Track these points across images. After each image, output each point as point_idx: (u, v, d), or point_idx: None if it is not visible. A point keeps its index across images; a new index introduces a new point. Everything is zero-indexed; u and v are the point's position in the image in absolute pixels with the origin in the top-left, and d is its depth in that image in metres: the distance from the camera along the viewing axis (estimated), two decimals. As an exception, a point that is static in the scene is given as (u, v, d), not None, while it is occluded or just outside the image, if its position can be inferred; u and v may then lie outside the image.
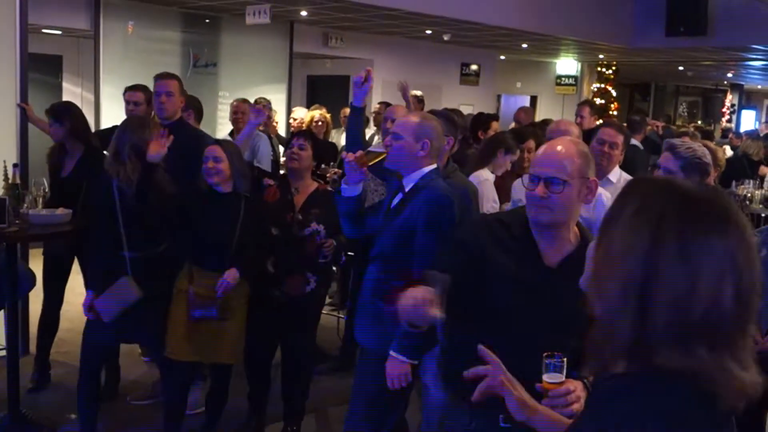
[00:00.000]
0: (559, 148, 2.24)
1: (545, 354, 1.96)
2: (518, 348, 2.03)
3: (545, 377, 1.97)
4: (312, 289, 4.11)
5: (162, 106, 4.58)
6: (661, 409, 1.11)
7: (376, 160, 3.14)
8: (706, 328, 1.13)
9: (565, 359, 1.96)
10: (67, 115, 4.60)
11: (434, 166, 3.08)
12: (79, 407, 3.95)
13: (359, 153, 3.12)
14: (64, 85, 10.14)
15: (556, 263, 2.22)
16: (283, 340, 4.27)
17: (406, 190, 3.05)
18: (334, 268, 5.62)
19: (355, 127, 3.70)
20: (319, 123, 7.31)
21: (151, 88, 5.26)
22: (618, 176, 4.08)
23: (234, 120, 6.54)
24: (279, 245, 4.02)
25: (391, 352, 2.80)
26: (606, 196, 3.56)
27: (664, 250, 1.14)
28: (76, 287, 4.72)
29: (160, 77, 4.70)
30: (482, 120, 6.62)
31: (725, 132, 18.25)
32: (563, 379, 1.97)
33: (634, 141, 6.62)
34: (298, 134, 4.37)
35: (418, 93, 8.45)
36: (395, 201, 3.11)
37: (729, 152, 13.43)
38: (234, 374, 4.18)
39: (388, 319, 2.91)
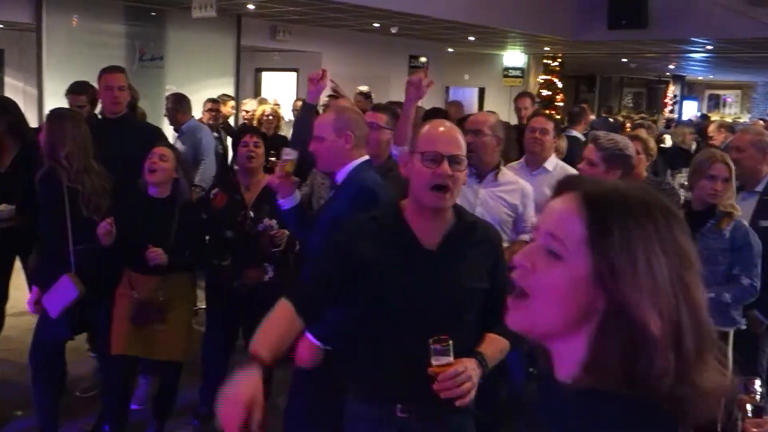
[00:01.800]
0: (449, 125, 2.27)
1: (431, 339, 2.00)
2: (415, 334, 2.08)
3: (433, 361, 2.02)
4: (270, 278, 4.14)
5: (117, 100, 4.60)
6: None
7: (292, 167, 3.15)
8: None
9: (450, 342, 2.01)
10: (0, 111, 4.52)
11: (365, 158, 3.02)
12: (37, 403, 3.93)
13: (277, 173, 3.14)
14: (6, 79, 9.97)
15: (436, 245, 2.22)
16: (244, 330, 4.28)
17: (338, 185, 3.02)
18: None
19: (304, 124, 3.64)
20: (270, 117, 7.29)
21: (95, 82, 5.23)
22: (554, 165, 4.21)
23: None
24: (234, 245, 4.07)
25: (306, 333, 2.78)
26: (527, 188, 3.71)
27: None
28: (20, 284, 4.67)
29: (109, 71, 4.69)
30: (437, 115, 6.63)
31: (668, 122, 18.68)
32: (451, 360, 2.01)
33: (574, 132, 6.78)
34: (249, 132, 4.31)
35: (364, 88, 8.48)
36: (328, 196, 3.11)
37: (669, 142, 13.76)
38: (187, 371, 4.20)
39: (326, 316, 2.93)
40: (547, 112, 13.41)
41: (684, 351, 1.01)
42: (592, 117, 10.22)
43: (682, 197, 5.17)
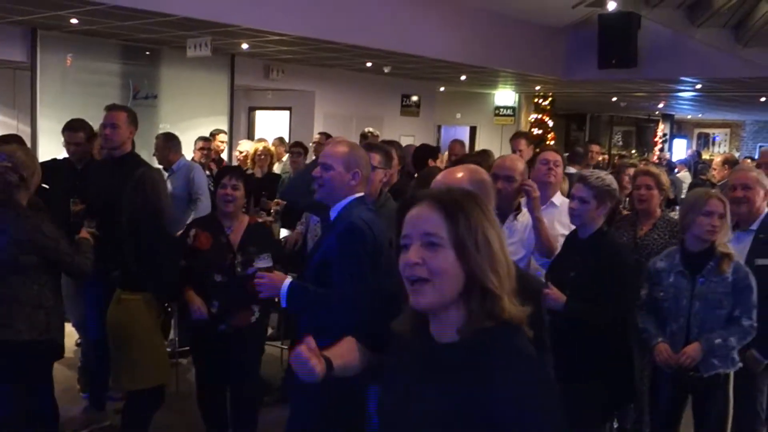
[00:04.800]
0: (456, 175, 2.45)
1: None
2: None
3: None
4: (257, 319, 4.11)
5: (106, 137, 4.65)
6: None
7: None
8: None
9: None
10: None
11: (360, 194, 3.03)
12: None
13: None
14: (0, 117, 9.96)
15: None
16: (230, 371, 4.25)
17: (331, 220, 3.00)
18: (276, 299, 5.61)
19: (306, 174, 3.54)
20: (262, 156, 7.38)
21: (91, 120, 5.27)
22: (561, 200, 4.23)
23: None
24: (223, 288, 4.01)
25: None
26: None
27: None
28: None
29: (107, 109, 4.75)
30: (429, 151, 6.64)
31: (669, 163, 18.74)
32: None
33: (572, 170, 6.87)
34: (228, 173, 4.19)
35: (371, 129, 8.71)
36: (321, 233, 3.11)
37: (689, 179, 13.80)
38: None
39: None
40: (537, 150, 13.54)
41: (507, 291, 1.53)
42: (600, 158, 10.24)
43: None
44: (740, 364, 3.54)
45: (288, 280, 2.91)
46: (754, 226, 3.94)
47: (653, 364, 3.71)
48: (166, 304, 4.18)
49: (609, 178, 3.58)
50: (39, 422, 3.92)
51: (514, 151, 7.06)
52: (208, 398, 4.27)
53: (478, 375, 1.46)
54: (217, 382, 4.24)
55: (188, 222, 5.72)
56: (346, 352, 2.23)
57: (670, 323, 3.56)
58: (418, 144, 7.98)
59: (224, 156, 8.74)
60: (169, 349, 5.70)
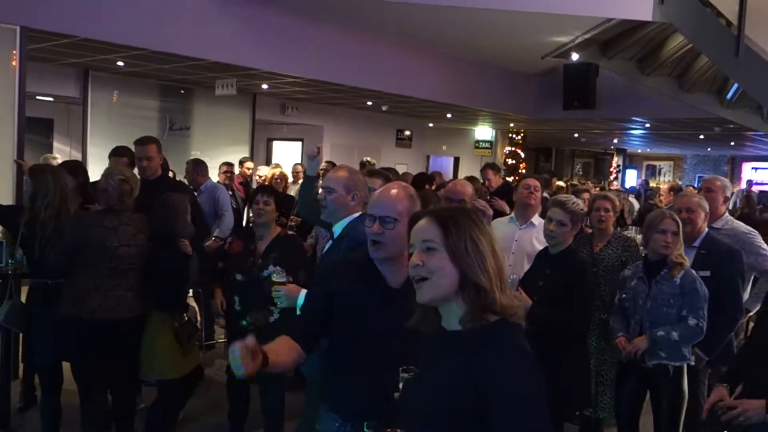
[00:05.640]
0: (391, 191, 2.27)
1: (401, 368, 1.91)
2: (382, 361, 2.01)
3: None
4: (276, 319, 4.07)
5: (144, 169, 4.60)
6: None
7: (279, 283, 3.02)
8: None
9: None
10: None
11: (359, 213, 2.95)
12: (42, 424, 3.82)
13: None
14: (55, 144, 9.96)
15: (400, 284, 2.18)
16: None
17: (335, 236, 2.94)
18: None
19: (308, 192, 3.64)
20: (278, 180, 7.39)
21: (133, 148, 5.25)
22: (539, 221, 4.23)
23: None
24: (242, 287, 4.00)
25: None
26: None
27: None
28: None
29: (139, 143, 4.64)
30: (425, 178, 6.72)
31: (628, 190, 18.73)
32: None
33: (544, 194, 6.88)
34: (261, 191, 4.20)
35: (369, 158, 8.75)
36: (326, 247, 3.01)
37: (637, 205, 13.78)
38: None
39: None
40: (511, 178, 13.55)
41: (498, 286, 1.56)
42: (560, 183, 10.38)
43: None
44: (692, 362, 3.51)
45: (303, 291, 2.84)
46: (696, 243, 3.93)
47: (619, 359, 3.71)
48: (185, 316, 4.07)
49: (579, 203, 3.61)
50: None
51: (484, 180, 7.09)
52: (233, 382, 4.23)
53: (476, 357, 1.50)
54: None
55: (214, 234, 5.74)
56: (282, 350, 2.14)
57: (631, 320, 3.59)
58: (410, 170, 8.07)
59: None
60: (197, 343, 5.69)
